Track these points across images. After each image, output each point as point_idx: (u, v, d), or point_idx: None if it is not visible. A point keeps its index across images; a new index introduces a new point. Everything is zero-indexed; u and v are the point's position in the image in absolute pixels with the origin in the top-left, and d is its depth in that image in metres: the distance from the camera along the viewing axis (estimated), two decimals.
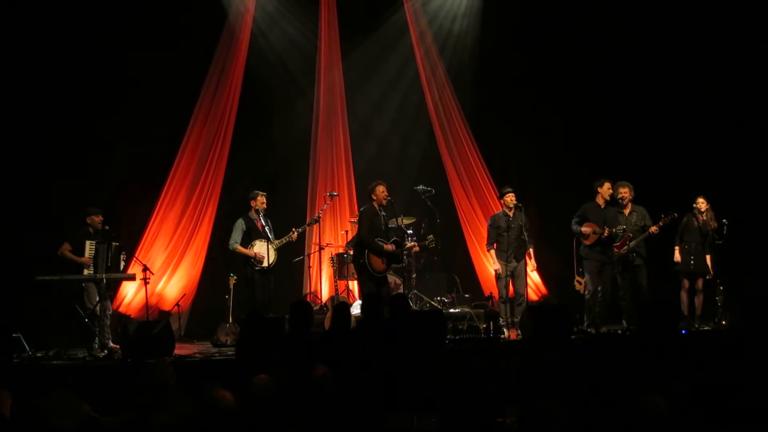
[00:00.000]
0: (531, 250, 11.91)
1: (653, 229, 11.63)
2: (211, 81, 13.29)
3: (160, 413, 6.34)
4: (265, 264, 11.67)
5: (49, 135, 12.34)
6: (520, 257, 11.92)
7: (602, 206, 11.87)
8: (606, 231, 11.59)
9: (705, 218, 11.80)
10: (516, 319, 11.61)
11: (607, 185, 11.84)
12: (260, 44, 13.76)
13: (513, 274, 11.91)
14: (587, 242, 11.83)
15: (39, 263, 11.16)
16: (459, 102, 14.00)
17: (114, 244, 11.05)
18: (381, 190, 11.35)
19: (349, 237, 12.76)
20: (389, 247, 11.17)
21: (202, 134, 13.18)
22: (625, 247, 11.70)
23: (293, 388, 6.81)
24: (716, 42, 13.23)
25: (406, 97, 14.40)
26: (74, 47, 12.40)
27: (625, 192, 11.86)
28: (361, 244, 11.22)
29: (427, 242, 12.08)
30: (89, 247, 11.12)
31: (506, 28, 14.01)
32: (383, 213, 11.45)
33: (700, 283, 11.83)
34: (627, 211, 11.89)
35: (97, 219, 11.28)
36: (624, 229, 11.65)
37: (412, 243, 12.05)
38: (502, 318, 11.43)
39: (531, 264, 12.00)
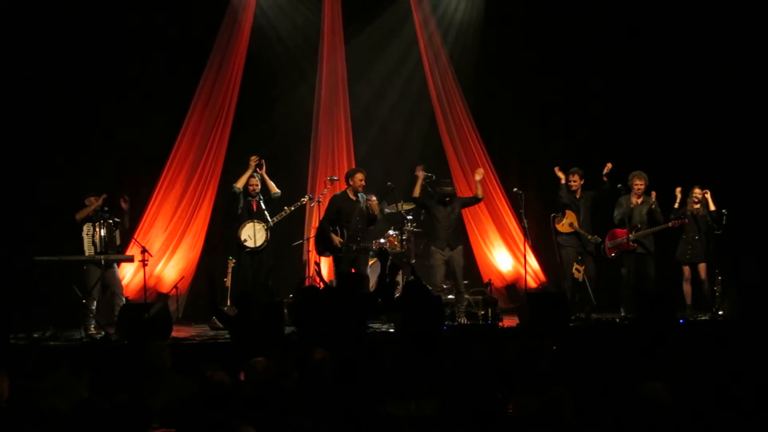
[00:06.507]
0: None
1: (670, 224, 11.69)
2: (213, 63, 13.23)
3: (157, 395, 6.34)
4: (251, 245, 11.72)
5: (50, 117, 12.38)
6: (455, 245, 11.89)
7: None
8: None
9: (698, 207, 11.75)
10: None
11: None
12: (263, 27, 13.67)
13: (449, 264, 11.85)
14: (564, 230, 12.02)
15: (37, 244, 11.18)
16: (461, 88, 13.92)
17: (108, 222, 11.28)
18: (359, 178, 11.59)
19: None
20: (336, 240, 11.49)
21: (203, 117, 13.14)
22: (631, 235, 11.68)
23: (292, 371, 6.80)
24: (727, 31, 13.21)
25: (409, 82, 14.27)
26: (76, 31, 12.41)
27: (640, 182, 11.88)
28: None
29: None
30: (86, 231, 11.19)
31: (510, 13, 13.93)
32: (358, 201, 11.69)
33: (702, 271, 11.78)
34: (640, 201, 11.90)
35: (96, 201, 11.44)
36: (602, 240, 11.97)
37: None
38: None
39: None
